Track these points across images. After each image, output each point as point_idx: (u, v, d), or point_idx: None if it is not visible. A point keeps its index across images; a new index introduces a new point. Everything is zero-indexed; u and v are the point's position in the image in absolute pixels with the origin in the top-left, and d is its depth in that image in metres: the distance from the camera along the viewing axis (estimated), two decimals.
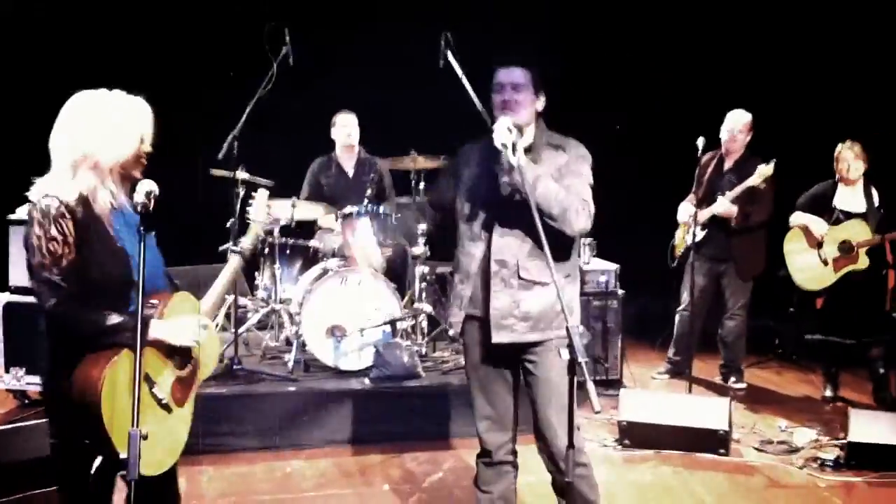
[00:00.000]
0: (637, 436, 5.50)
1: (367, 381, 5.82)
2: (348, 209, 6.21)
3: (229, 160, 5.94)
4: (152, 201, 2.85)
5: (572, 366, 2.88)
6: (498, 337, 3.57)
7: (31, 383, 6.01)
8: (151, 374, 2.86)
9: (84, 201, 2.80)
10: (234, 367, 5.82)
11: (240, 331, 6.29)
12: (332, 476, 5.11)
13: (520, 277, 3.54)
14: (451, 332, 3.87)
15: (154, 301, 2.89)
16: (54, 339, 2.83)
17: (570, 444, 3.07)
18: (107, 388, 2.67)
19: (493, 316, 3.57)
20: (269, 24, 5.91)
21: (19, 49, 7.74)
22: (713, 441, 5.40)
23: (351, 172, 7.09)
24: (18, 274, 6.04)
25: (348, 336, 5.94)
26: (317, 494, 4.85)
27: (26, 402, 6.17)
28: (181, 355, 2.97)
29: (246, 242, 3.44)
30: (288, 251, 6.71)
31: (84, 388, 2.70)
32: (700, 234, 6.69)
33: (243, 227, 6.20)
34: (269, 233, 6.41)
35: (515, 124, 3.46)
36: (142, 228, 2.75)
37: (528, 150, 3.55)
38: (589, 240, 6.92)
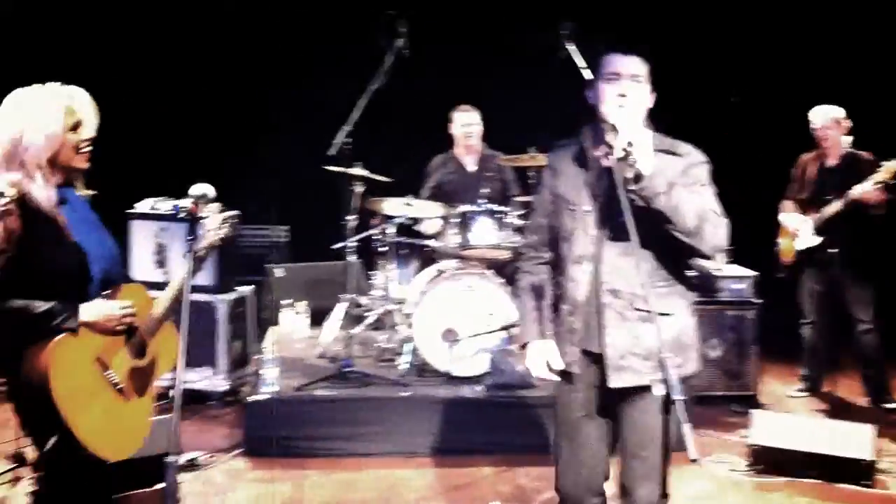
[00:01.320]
0: (770, 461, 5.07)
1: (480, 388, 5.58)
2: (463, 208, 5.99)
3: (342, 156, 5.78)
4: (202, 207, 2.85)
5: (667, 404, 2.52)
6: (619, 380, 3.06)
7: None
8: (105, 358, 2.91)
9: (24, 196, 2.80)
10: (345, 369, 5.66)
11: (353, 331, 6.16)
12: (439, 489, 4.89)
13: (637, 308, 3.03)
14: (564, 368, 3.18)
15: (107, 293, 2.93)
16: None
17: (664, 494, 2.75)
18: (54, 369, 2.73)
19: (610, 356, 3.06)
20: (385, 14, 5.71)
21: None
22: (855, 470, 4.92)
23: (473, 170, 6.84)
24: (139, 267, 6.09)
25: (462, 341, 5.71)
26: None
27: None
28: (136, 344, 3.00)
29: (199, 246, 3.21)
30: (405, 250, 6.53)
31: (32, 374, 2.75)
32: (815, 241, 6.22)
33: (361, 226, 6.19)
34: (383, 232, 6.28)
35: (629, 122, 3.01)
36: (189, 238, 2.83)
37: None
38: None
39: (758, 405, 6.20)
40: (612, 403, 3.18)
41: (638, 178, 2.90)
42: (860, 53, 7.90)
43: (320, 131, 6.07)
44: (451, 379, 5.72)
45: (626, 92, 3.05)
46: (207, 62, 7.42)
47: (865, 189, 5.86)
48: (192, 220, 2.93)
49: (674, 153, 3.10)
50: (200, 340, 5.93)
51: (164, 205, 6.17)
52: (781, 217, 6.43)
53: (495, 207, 6.07)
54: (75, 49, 7.28)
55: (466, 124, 6.76)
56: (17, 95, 2.88)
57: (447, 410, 5.45)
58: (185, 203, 2.98)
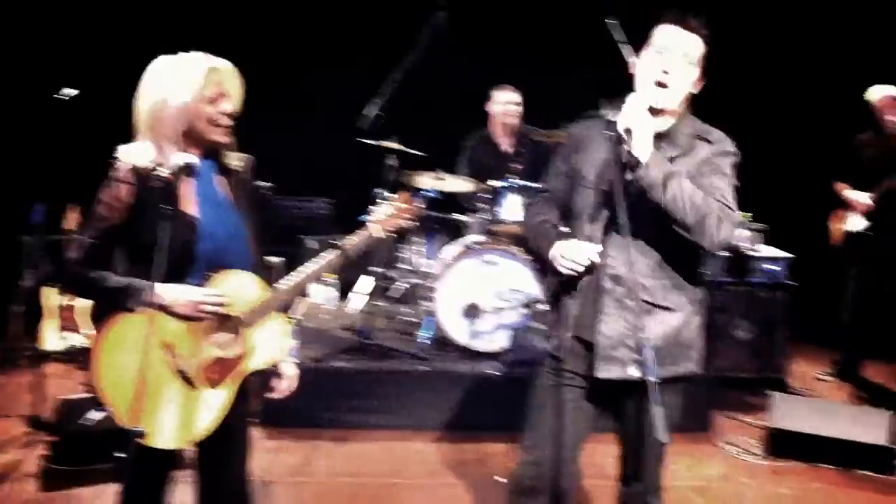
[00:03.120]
0: (787, 445, 5.00)
1: (499, 364, 5.58)
2: (494, 183, 5.97)
3: (377, 129, 5.77)
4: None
5: (643, 386, 2.46)
6: (606, 371, 2.93)
7: None
8: (175, 344, 2.76)
9: (151, 168, 2.72)
10: (365, 341, 5.71)
11: (379, 304, 6.20)
12: (449, 463, 4.91)
13: (637, 298, 2.85)
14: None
15: (211, 274, 2.78)
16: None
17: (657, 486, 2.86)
18: (103, 342, 2.69)
19: (602, 345, 2.93)
20: None
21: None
22: (874, 457, 4.83)
23: (508, 149, 6.79)
24: None
25: (484, 316, 5.71)
26: (426, 482, 4.67)
27: None
28: (228, 333, 2.83)
29: (351, 241, 3.04)
30: (435, 225, 6.54)
31: (92, 344, 2.73)
32: (863, 224, 6.11)
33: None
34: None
35: (662, 108, 2.84)
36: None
37: (664, 136, 2.87)
38: (760, 225, 6.39)
39: (787, 388, 6.11)
40: (603, 391, 3.05)
41: (634, 165, 2.78)
42: None
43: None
44: (471, 354, 5.73)
45: (670, 69, 2.84)
46: (246, 34, 7.46)
47: None
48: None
49: (705, 140, 2.94)
50: None
51: None
52: (847, 193, 6.27)
53: (526, 183, 6.04)
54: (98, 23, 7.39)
55: (507, 103, 6.71)
56: (160, 63, 2.78)
57: (464, 385, 5.47)
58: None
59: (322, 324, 6.34)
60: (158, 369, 2.73)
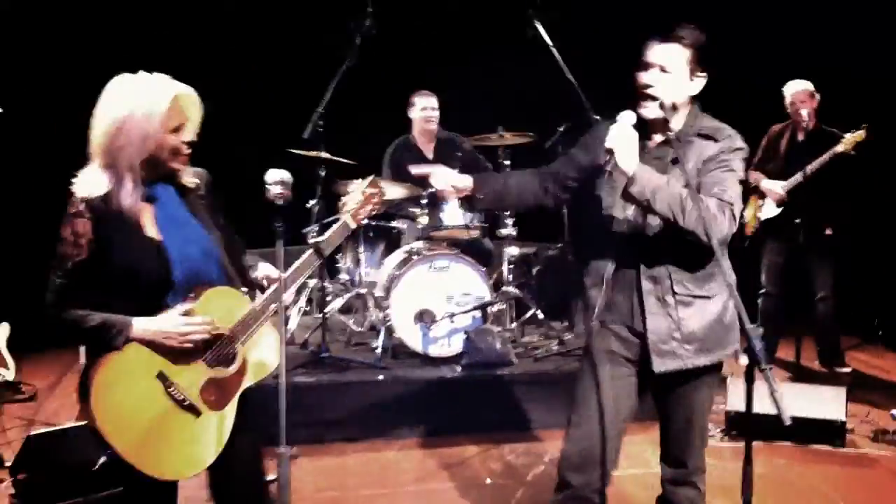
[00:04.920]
0: (745, 426, 5.21)
1: (458, 368, 5.61)
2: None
3: (315, 139, 5.69)
4: (288, 190, 2.73)
5: (750, 373, 2.57)
6: (663, 365, 3.06)
7: None
8: (168, 373, 2.71)
9: (109, 196, 2.65)
10: (322, 354, 5.62)
11: (320, 316, 6.11)
12: (431, 469, 4.90)
13: (675, 293, 3.04)
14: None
15: (192, 295, 2.74)
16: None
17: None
18: (97, 387, 2.61)
19: (652, 342, 3.06)
20: None
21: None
22: (828, 432, 5.12)
23: (431, 155, 6.83)
24: None
25: (438, 322, 5.72)
26: (418, 489, 4.64)
27: None
28: (221, 352, 2.80)
29: (328, 236, 3.05)
30: (371, 233, 6.50)
31: (80, 389, 2.68)
32: (775, 211, 6.46)
33: (329, 210, 6.09)
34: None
35: (655, 118, 3.00)
36: (277, 225, 2.67)
37: (674, 141, 2.95)
38: None
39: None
40: (646, 381, 3.19)
41: (628, 181, 2.89)
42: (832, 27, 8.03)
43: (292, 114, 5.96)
44: (427, 360, 5.74)
45: (652, 82, 3.01)
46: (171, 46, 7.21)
47: (823, 161, 6.06)
48: (279, 208, 2.81)
49: (712, 138, 3.05)
50: None
51: None
52: (763, 183, 6.55)
53: None
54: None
55: (426, 108, 6.74)
56: (121, 84, 2.65)
57: (427, 392, 5.47)
58: (273, 191, 2.82)
59: None
60: (158, 401, 2.69)
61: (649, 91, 3.01)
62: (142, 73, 2.67)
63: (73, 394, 5.61)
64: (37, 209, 7.27)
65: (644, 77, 3.03)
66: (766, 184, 6.51)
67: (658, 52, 3.02)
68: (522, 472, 4.84)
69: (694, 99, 3.10)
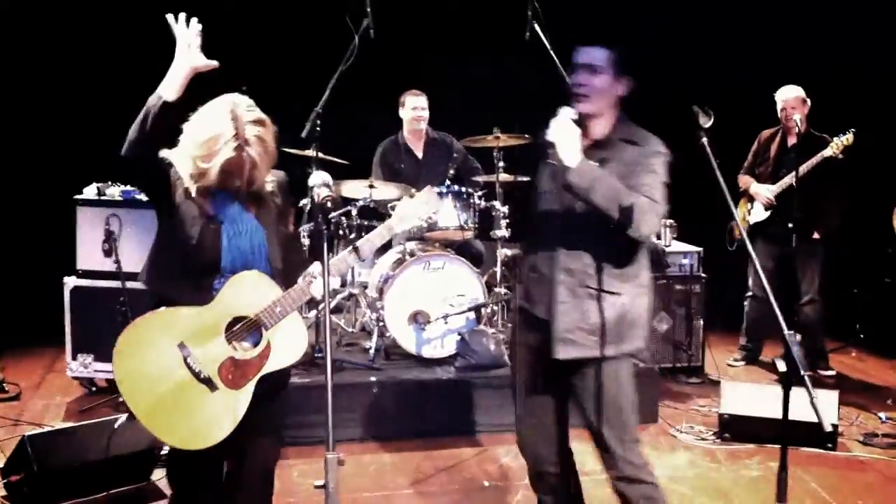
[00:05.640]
0: (738, 429, 5.28)
1: (452, 369, 5.59)
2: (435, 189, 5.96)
3: (312, 138, 5.65)
4: (332, 191, 2.96)
5: (788, 379, 2.59)
6: (564, 352, 3.25)
7: (100, 371, 5.80)
8: (188, 342, 2.85)
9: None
10: (316, 355, 5.59)
11: (312, 314, 6.07)
12: (428, 471, 4.89)
13: (587, 286, 3.23)
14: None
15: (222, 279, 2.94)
16: None
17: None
18: (121, 346, 2.80)
19: (557, 329, 3.25)
20: None
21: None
22: (820, 435, 5.15)
23: (420, 154, 6.82)
24: (86, 256, 5.81)
25: (432, 323, 5.70)
26: (417, 491, 4.63)
27: (93, 389, 5.97)
28: (247, 334, 2.93)
29: (369, 238, 3.31)
30: (362, 233, 6.44)
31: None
32: (764, 215, 6.51)
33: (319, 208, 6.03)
34: (347, 214, 6.15)
35: (586, 113, 3.21)
36: (324, 228, 2.79)
37: (601, 145, 3.24)
38: (670, 221, 6.67)
39: (705, 376, 6.47)
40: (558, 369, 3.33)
41: (566, 171, 3.10)
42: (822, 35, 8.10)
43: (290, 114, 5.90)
44: (421, 361, 5.72)
45: (581, 81, 3.22)
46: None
47: (811, 165, 6.13)
48: (325, 210, 2.93)
49: (633, 143, 3.24)
50: None
51: (112, 190, 5.88)
52: (753, 187, 6.61)
53: (458, 188, 6.07)
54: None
55: (416, 108, 6.73)
56: (237, 105, 2.89)
57: (422, 393, 5.47)
58: (324, 193, 2.97)
59: None
60: (176, 370, 2.83)
61: (580, 90, 3.21)
62: (251, 103, 2.95)
63: (57, 393, 5.59)
64: (18, 211, 7.24)
65: (577, 77, 3.24)
66: (756, 188, 6.57)
67: (584, 54, 3.25)
68: (519, 473, 4.82)
69: (619, 104, 3.29)
